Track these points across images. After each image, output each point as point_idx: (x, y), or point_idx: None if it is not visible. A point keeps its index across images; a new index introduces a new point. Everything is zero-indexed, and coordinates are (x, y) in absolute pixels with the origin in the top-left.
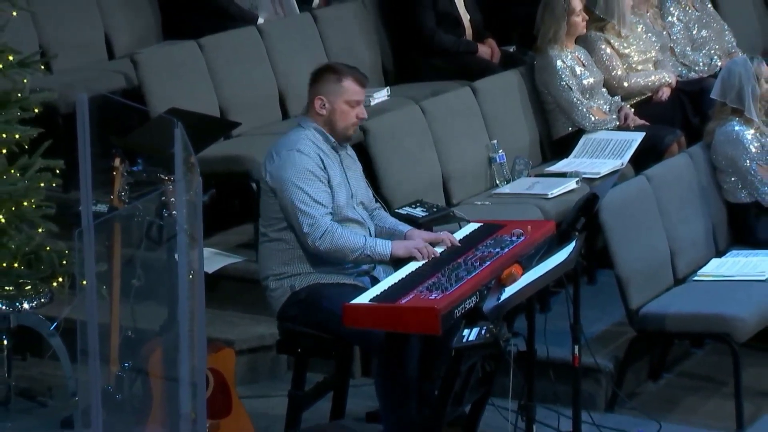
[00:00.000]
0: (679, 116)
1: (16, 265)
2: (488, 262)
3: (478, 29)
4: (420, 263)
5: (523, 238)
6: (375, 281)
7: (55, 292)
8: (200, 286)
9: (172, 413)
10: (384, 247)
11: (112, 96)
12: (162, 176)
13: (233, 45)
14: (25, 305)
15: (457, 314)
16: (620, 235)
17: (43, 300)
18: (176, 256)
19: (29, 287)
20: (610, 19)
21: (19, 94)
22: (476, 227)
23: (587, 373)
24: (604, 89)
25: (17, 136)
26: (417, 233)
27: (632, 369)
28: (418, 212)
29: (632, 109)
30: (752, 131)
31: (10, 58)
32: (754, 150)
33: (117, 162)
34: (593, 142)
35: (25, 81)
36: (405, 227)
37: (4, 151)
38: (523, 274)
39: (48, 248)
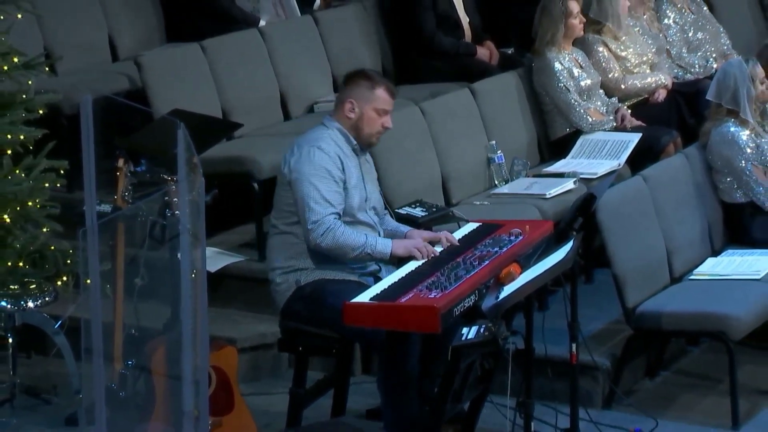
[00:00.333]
0: (675, 117)
1: (21, 264)
2: (487, 262)
3: (477, 32)
4: (419, 262)
5: (521, 237)
6: (379, 282)
7: (59, 290)
8: (203, 285)
9: (175, 410)
10: (384, 245)
11: (116, 97)
12: (165, 177)
13: (235, 47)
14: (30, 304)
15: (457, 313)
16: (617, 235)
17: (47, 299)
18: (179, 255)
19: (34, 286)
20: (604, 21)
21: (24, 96)
22: (475, 227)
23: (584, 371)
24: (601, 91)
25: (22, 137)
26: (417, 233)
27: (629, 367)
28: (418, 212)
29: (629, 111)
30: (747, 132)
31: (15, 60)
32: (749, 151)
33: (121, 162)
34: (590, 142)
35: (29, 83)
36: (405, 228)
37: (9, 151)
38: (521, 273)
39: (52, 247)
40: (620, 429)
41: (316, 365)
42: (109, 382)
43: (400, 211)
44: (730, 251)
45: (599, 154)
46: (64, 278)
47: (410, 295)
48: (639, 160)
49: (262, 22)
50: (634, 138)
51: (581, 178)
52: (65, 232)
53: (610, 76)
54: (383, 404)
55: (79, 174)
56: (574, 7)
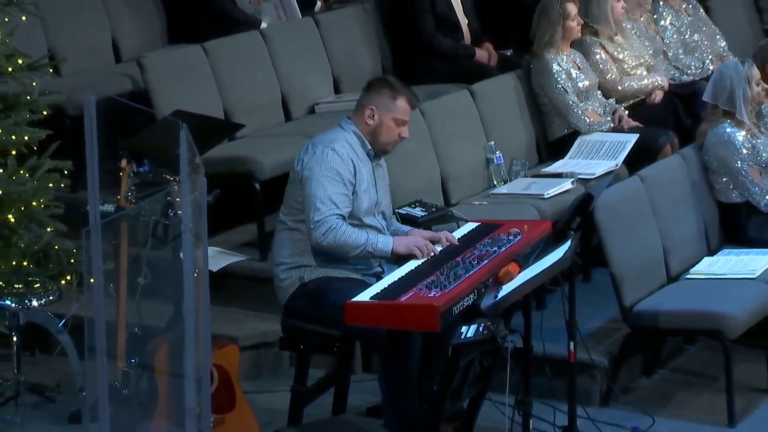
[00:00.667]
0: (672, 118)
1: (25, 263)
2: (486, 261)
3: (475, 33)
4: (419, 261)
5: (519, 237)
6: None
7: (63, 289)
8: (205, 284)
9: (177, 408)
10: (385, 243)
11: (119, 98)
12: (167, 177)
13: (237, 49)
14: (34, 302)
15: (456, 312)
16: (614, 235)
17: (51, 297)
18: (181, 254)
19: (38, 285)
20: (597, 25)
21: (28, 97)
22: (474, 227)
23: (582, 369)
24: (598, 92)
25: (26, 138)
26: (417, 232)
27: (626, 365)
28: (418, 212)
29: (626, 111)
30: (743, 133)
31: (20, 61)
32: (745, 151)
33: (124, 163)
34: (588, 143)
35: (34, 84)
36: (406, 228)
37: (14, 152)
38: (519, 273)
39: (56, 247)
40: (618, 426)
41: (316, 363)
42: (112, 380)
43: (400, 211)
44: (726, 251)
45: (597, 155)
46: (68, 277)
47: (410, 294)
48: (636, 160)
49: (264, 24)
50: (632, 139)
51: (579, 179)
52: (69, 232)
53: (607, 77)
54: (384, 402)
55: (82, 174)
56: (572, 9)
